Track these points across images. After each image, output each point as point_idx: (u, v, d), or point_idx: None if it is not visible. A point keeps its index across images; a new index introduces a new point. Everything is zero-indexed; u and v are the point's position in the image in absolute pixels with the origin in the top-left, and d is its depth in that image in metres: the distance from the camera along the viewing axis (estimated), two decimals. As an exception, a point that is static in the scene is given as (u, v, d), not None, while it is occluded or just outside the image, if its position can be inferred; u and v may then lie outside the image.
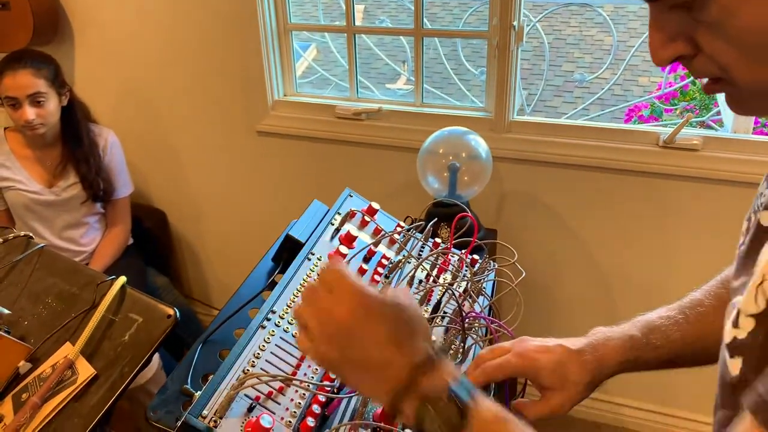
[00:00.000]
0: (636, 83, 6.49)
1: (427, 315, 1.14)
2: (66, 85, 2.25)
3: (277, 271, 1.21)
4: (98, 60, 2.61)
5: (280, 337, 0.98)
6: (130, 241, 2.49)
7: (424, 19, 2.19)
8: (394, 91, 4.01)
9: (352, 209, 1.29)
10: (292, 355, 0.97)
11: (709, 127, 2.29)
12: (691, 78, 2.97)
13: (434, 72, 4.10)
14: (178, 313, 0.97)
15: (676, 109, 3.55)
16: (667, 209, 2.04)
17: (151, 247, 2.63)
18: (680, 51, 0.54)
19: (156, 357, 2.29)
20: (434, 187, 2.01)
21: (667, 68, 2.72)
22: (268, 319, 0.99)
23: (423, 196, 2.06)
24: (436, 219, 1.32)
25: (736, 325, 0.58)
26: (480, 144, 1.99)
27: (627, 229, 2.12)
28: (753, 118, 1.95)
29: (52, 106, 2.18)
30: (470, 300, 1.17)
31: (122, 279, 1.02)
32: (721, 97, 1.72)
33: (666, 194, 2.02)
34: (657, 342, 0.90)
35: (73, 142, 2.28)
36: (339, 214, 1.28)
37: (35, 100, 2.13)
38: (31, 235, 1.14)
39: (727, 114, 2.08)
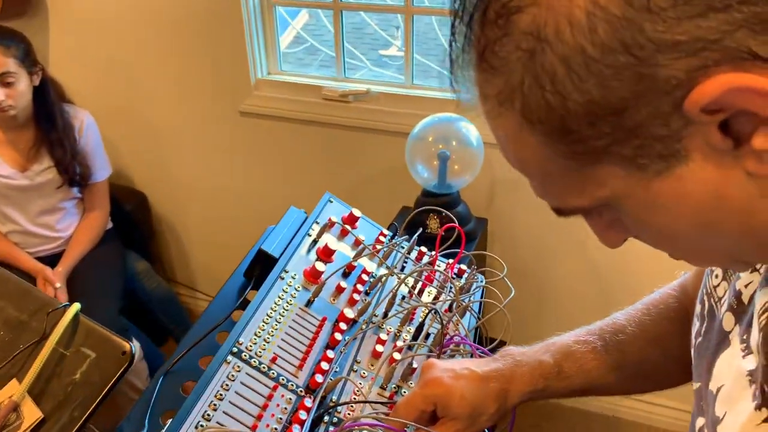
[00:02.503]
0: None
1: (408, 337, 1.06)
2: (38, 64, 2.13)
3: (249, 288, 1.13)
4: (74, 36, 2.48)
5: (246, 373, 0.90)
6: (110, 225, 2.40)
7: (416, -6, 2.08)
8: (386, 61, 3.88)
9: (331, 218, 1.20)
10: (257, 393, 0.89)
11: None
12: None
13: (428, 38, 3.95)
14: (134, 349, 0.89)
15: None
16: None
17: (132, 230, 2.54)
18: (623, 236, 0.57)
19: (137, 345, 2.23)
20: (423, 176, 1.92)
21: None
22: (233, 353, 0.92)
23: (412, 181, 1.98)
24: (420, 230, 1.23)
25: None
26: (471, 131, 1.90)
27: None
28: None
29: (23, 86, 2.07)
30: (455, 321, 1.09)
31: (75, 306, 0.93)
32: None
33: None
34: (569, 371, 0.84)
35: (46, 124, 2.17)
36: (317, 223, 1.20)
37: (4, 80, 2.02)
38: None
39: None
